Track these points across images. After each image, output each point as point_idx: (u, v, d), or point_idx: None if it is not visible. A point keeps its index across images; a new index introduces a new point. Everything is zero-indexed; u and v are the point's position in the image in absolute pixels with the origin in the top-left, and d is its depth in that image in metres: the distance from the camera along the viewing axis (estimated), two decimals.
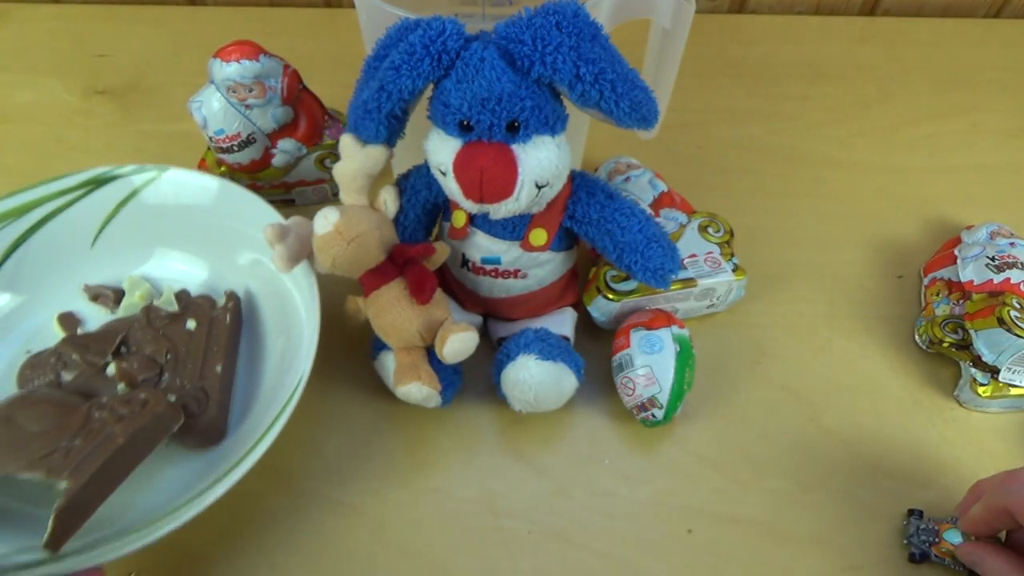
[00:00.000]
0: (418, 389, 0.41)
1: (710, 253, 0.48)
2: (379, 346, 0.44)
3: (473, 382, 0.47)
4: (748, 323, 0.51)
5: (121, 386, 0.44)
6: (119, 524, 0.38)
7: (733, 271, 0.48)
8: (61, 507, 0.35)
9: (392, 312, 0.41)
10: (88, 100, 0.65)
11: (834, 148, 0.63)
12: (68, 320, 0.48)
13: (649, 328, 0.44)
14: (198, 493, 0.37)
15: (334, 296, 0.46)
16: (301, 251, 0.42)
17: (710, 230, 0.50)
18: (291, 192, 0.56)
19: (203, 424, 0.42)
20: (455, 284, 0.48)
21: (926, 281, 0.53)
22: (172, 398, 0.43)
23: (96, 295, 0.49)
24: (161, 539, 0.35)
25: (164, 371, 0.44)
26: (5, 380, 0.45)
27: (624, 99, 0.36)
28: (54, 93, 0.66)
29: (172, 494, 0.39)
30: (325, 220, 0.40)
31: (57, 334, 0.48)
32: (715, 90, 0.68)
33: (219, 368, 0.44)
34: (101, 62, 0.68)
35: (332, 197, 0.57)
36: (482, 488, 0.43)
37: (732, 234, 0.50)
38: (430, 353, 0.43)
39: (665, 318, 0.45)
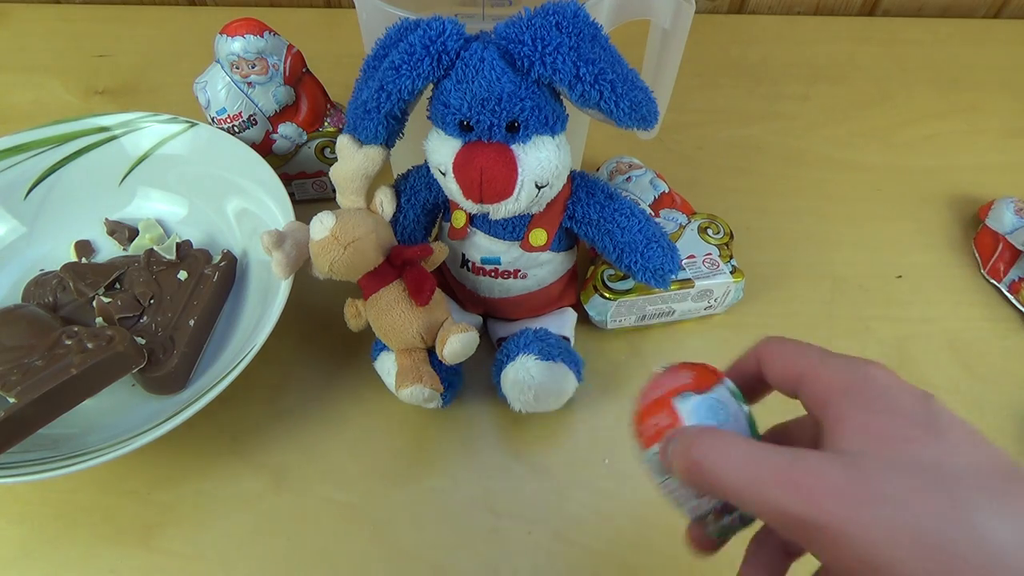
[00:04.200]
0: (420, 391, 0.41)
1: (709, 255, 0.48)
2: (379, 347, 0.44)
3: (473, 382, 0.47)
4: (747, 323, 0.51)
5: (99, 320, 0.46)
6: (64, 445, 0.41)
7: (731, 273, 0.48)
8: (1, 420, 0.37)
9: (392, 314, 0.41)
10: (88, 100, 0.65)
11: (834, 148, 0.63)
12: (83, 247, 0.52)
13: (700, 391, 0.29)
14: (129, 438, 0.39)
15: (334, 298, 0.46)
16: (299, 256, 0.42)
17: (709, 231, 0.50)
18: (291, 185, 0.56)
19: (163, 371, 0.43)
20: (455, 284, 0.48)
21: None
22: (141, 341, 0.44)
23: (113, 230, 0.52)
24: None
25: (144, 314, 0.46)
26: (17, 292, 0.48)
27: (624, 99, 0.36)
28: (54, 93, 0.66)
29: (121, 430, 0.41)
30: (321, 225, 0.40)
31: (71, 258, 0.51)
32: (715, 90, 0.68)
33: (192, 322, 0.45)
34: (101, 62, 0.68)
35: (332, 192, 0.57)
36: (482, 488, 0.43)
37: (731, 236, 0.50)
38: (430, 353, 0.43)
39: (710, 372, 0.30)
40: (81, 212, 0.52)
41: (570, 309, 0.48)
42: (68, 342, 0.41)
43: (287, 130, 0.53)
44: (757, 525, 0.29)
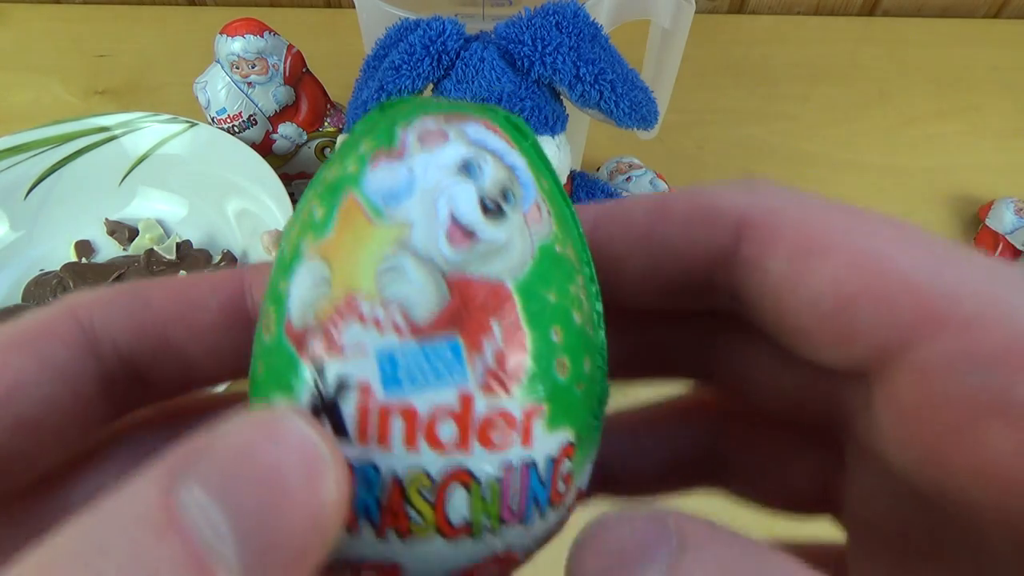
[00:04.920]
0: None
1: None
2: None
3: None
4: None
5: None
6: None
7: None
8: None
9: None
10: (88, 100, 0.65)
11: (834, 148, 0.63)
12: (83, 247, 0.52)
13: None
14: None
15: None
16: None
17: None
18: (291, 185, 0.56)
19: None
20: None
21: None
22: None
23: (113, 230, 0.52)
24: None
25: None
26: (17, 292, 0.48)
27: (624, 99, 0.36)
28: (54, 93, 0.66)
29: None
30: None
31: (71, 258, 0.51)
32: (715, 90, 0.68)
33: None
34: (101, 62, 0.68)
35: None
36: None
37: None
38: None
39: None
40: (81, 212, 0.52)
41: None
42: None
43: (287, 130, 0.53)
44: None
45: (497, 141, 0.14)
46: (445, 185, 0.13)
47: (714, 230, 0.14)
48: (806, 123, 0.65)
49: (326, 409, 0.13)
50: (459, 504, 0.13)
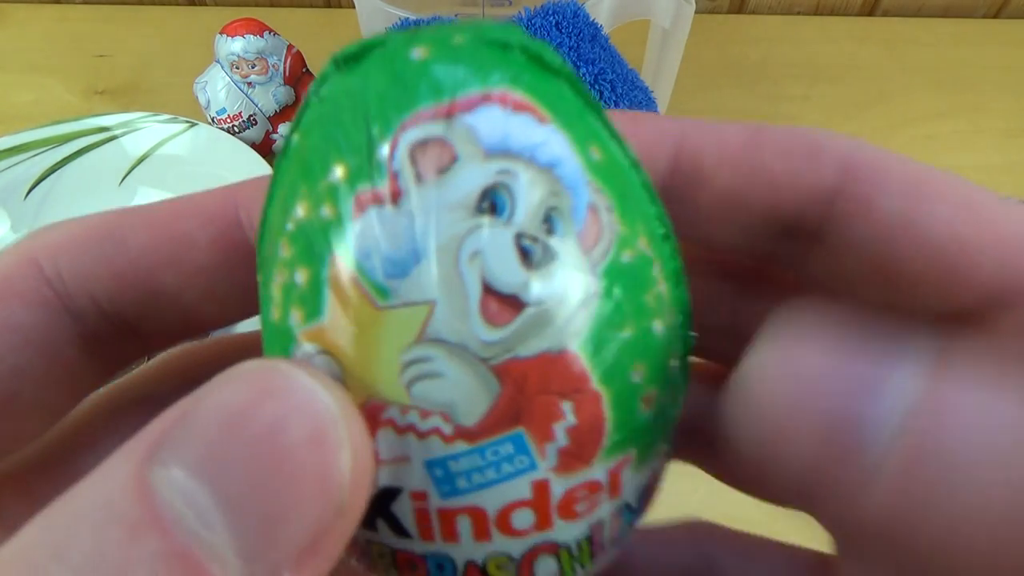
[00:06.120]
0: None
1: None
2: None
3: None
4: None
5: None
6: None
7: None
8: None
9: None
10: (88, 100, 0.65)
11: None
12: None
13: None
14: None
15: None
16: None
17: None
18: None
19: None
20: None
21: None
22: None
23: None
24: None
25: None
26: None
27: (624, 100, 0.36)
28: (54, 93, 0.66)
29: None
30: None
31: None
32: (715, 90, 0.68)
33: None
34: (101, 62, 0.68)
35: None
36: None
37: None
38: None
39: None
40: (81, 212, 0.51)
41: None
42: None
43: (287, 130, 0.53)
44: None
45: (523, 126, 0.10)
46: (465, 236, 0.10)
47: (818, 164, 0.13)
48: (806, 123, 0.65)
49: (377, 510, 0.11)
50: (548, 568, 0.11)
